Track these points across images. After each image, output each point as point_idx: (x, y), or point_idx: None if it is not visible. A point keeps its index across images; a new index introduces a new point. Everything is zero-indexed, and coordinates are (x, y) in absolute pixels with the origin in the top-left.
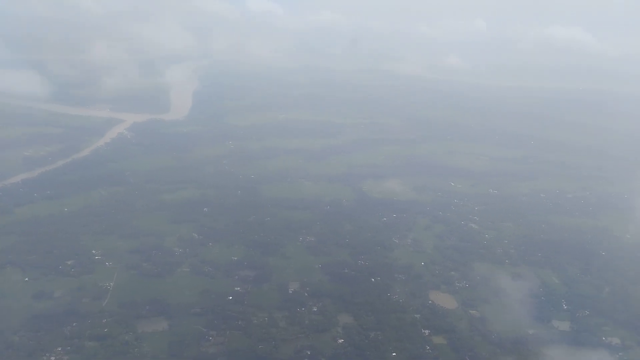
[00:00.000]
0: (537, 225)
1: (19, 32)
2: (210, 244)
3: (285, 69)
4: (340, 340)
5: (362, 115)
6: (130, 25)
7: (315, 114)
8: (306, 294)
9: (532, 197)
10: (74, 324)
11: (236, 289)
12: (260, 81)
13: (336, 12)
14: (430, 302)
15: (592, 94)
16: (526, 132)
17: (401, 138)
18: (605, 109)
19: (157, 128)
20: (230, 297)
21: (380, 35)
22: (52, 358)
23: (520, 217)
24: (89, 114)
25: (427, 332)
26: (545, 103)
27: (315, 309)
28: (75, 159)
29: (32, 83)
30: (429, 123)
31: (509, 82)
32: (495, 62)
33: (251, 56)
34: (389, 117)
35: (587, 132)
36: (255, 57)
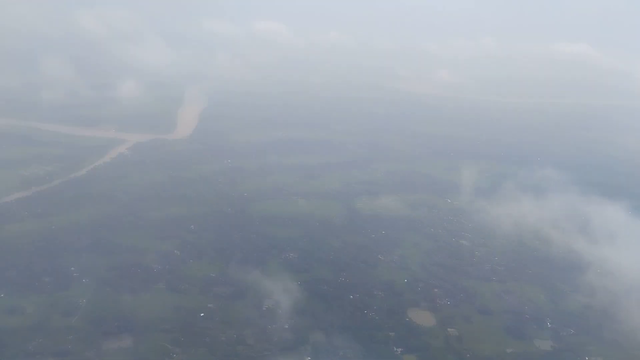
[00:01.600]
0: (531, 242)
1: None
2: (190, 260)
3: (290, 88)
4: (308, 358)
5: (363, 132)
6: (136, 47)
7: (315, 132)
8: (280, 311)
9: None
10: (40, 340)
11: (209, 305)
12: (264, 100)
13: (343, 32)
14: (407, 319)
15: (599, 109)
16: (532, 148)
17: (401, 155)
18: (613, 124)
19: (158, 147)
20: (202, 314)
21: (385, 54)
22: None
23: (514, 234)
24: (94, 135)
25: (399, 350)
26: (551, 118)
27: (287, 326)
28: (72, 178)
29: (38, 104)
30: (432, 139)
31: (514, 99)
32: (500, 79)
33: (257, 76)
34: (390, 134)
35: (594, 148)
36: (261, 76)
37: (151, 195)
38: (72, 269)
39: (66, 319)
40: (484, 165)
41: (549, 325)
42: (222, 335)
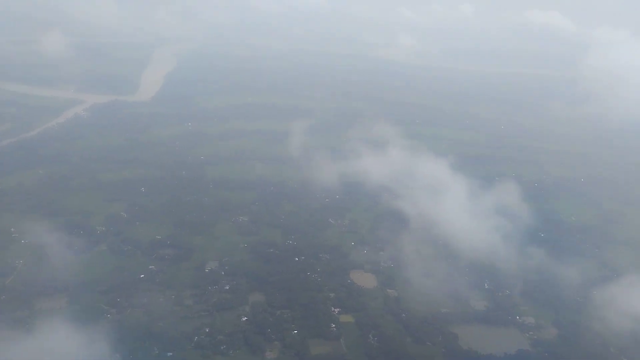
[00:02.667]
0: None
1: None
2: (137, 223)
3: (263, 53)
4: (244, 318)
5: (333, 99)
6: (101, 8)
7: (286, 98)
8: (223, 273)
9: (486, 180)
10: None
11: (150, 267)
12: (235, 64)
13: None
14: (349, 281)
15: (564, 80)
16: (498, 117)
17: (368, 121)
18: (574, 95)
19: (117, 109)
20: (142, 275)
21: (361, 20)
22: None
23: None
24: (51, 95)
25: (337, 310)
26: (520, 88)
27: (228, 287)
28: (23, 138)
29: None
30: (400, 107)
31: (485, 67)
32: (473, 47)
33: (233, 40)
34: (360, 101)
35: (557, 117)
36: (237, 41)
37: (105, 157)
38: (12, 229)
39: (0, 279)
40: (444, 133)
41: (487, 287)
42: (160, 296)
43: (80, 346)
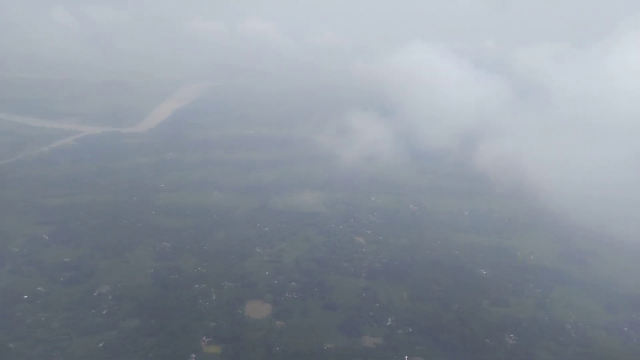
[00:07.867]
0: (433, 242)
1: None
2: (54, 245)
3: (286, 87)
4: (101, 344)
5: (331, 131)
6: (123, 44)
7: (283, 130)
8: (110, 297)
9: (452, 215)
10: None
11: (38, 288)
12: (254, 98)
13: (339, 33)
14: (239, 311)
15: None
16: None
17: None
18: None
19: (105, 139)
20: (26, 297)
21: (376, 56)
22: None
23: (420, 233)
24: (51, 126)
25: (207, 340)
26: None
27: (105, 312)
28: None
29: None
30: (394, 141)
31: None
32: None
33: (250, 78)
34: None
35: None
36: (253, 78)
37: (64, 182)
38: None
39: None
40: (426, 166)
41: (388, 324)
42: (30, 317)
43: None
